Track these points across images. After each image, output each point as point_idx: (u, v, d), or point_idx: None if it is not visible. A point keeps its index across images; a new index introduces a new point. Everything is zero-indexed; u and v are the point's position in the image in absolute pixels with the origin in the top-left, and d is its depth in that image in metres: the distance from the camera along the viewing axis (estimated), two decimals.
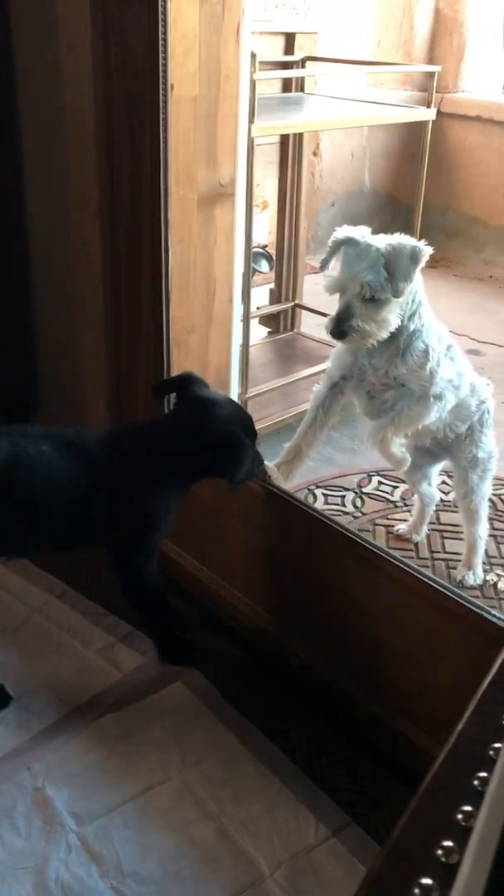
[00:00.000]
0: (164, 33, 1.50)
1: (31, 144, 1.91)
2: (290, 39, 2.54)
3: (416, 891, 0.49)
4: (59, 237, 1.90)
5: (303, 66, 2.55)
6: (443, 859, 0.52)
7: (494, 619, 1.24)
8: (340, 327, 1.46)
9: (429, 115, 2.31)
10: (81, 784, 1.31)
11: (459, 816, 0.54)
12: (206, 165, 1.71)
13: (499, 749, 0.58)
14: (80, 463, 1.34)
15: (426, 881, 0.50)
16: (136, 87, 1.58)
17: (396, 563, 1.38)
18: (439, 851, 0.52)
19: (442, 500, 2.16)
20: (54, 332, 2.04)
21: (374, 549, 1.42)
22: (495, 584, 1.85)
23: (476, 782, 0.57)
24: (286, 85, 2.61)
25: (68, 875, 1.18)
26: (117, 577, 1.46)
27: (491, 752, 0.59)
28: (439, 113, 2.44)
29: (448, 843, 0.52)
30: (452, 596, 1.31)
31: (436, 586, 1.33)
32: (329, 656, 1.52)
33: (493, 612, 1.26)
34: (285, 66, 2.55)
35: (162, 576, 1.67)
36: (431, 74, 2.36)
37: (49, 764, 1.34)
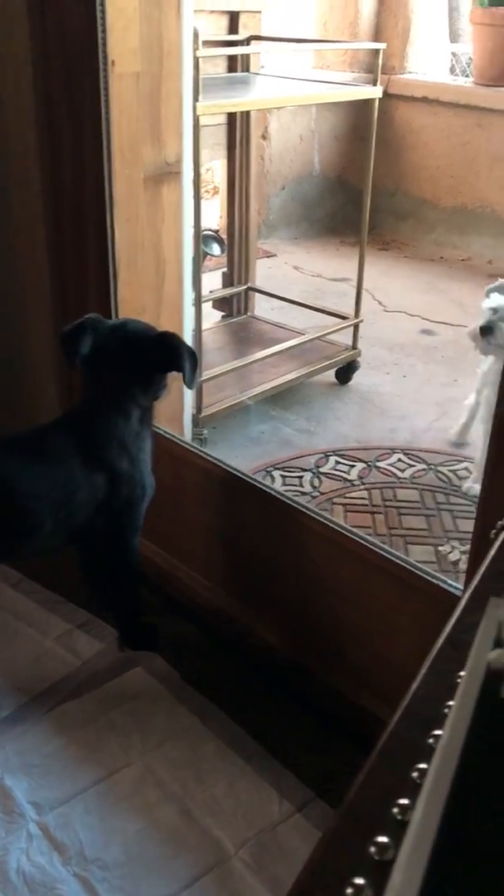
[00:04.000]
0: (103, 7, 1.47)
1: None
2: (234, 18, 2.51)
3: (373, 849, 0.49)
4: (2, 219, 1.86)
5: (247, 46, 2.53)
6: (399, 817, 0.51)
7: (451, 589, 1.24)
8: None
9: (375, 92, 2.31)
10: (42, 773, 1.29)
11: (415, 775, 0.54)
12: (151, 143, 1.69)
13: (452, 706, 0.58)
14: (56, 458, 1.31)
15: (382, 839, 0.49)
16: (76, 64, 1.55)
17: (355, 538, 1.38)
18: (395, 810, 0.52)
19: (398, 478, 2.17)
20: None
21: (332, 526, 1.42)
22: (449, 557, 1.87)
23: (431, 740, 0.56)
24: (231, 65, 2.58)
25: (30, 864, 1.16)
26: (106, 558, 1.43)
27: (445, 710, 0.59)
28: (387, 94, 2.44)
29: (404, 801, 0.51)
30: (410, 568, 1.31)
31: (394, 559, 1.33)
32: (290, 634, 1.51)
33: (450, 582, 1.27)
34: (230, 45, 2.53)
35: None
36: (376, 53, 2.35)
37: (8, 754, 1.32)
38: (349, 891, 0.46)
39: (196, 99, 1.90)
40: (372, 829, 0.50)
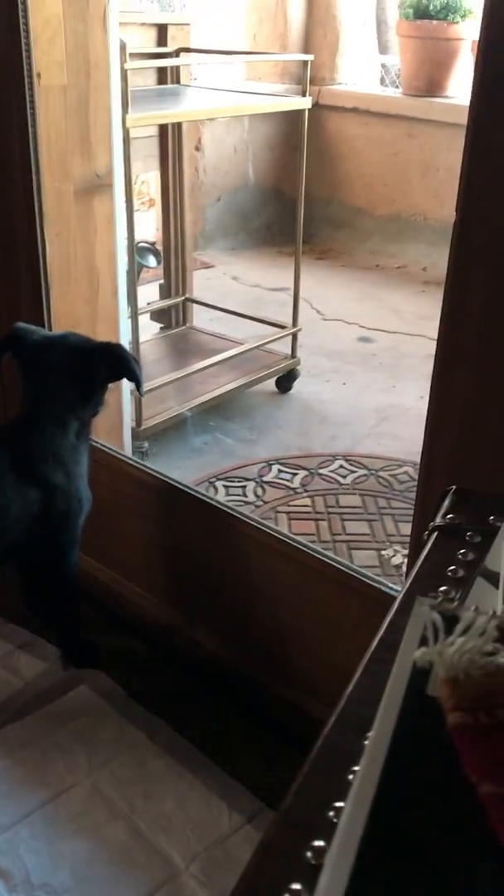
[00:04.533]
0: (26, 19, 1.45)
1: None
2: (162, 31, 2.52)
3: (309, 854, 0.49)
4: None
5: (176, 58, 2.54)
6: (335, 821, 0.51)
7: (391, 592, 1.26)
8: None
9: (304, 103, 2.34)
10: None
11: (350, 777, 0.54)
12: (80, 156, 1.68)
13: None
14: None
15: (319, 843, 0.49)
16: (0, 77, 1.53)
17: (296, 545, 1.38)
18: (331, 813, 0.52)
19: (340, 484, 2.19)
20: None
21: (273, 533, 1.42)
22: (392, 561, 1.89)
23: (366, 742, 0.57)
24: (161, 77, 2.59)
25: None
26: (44, 574, 1.41)
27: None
28: (318, 105, 2.47)
29: (341, 805, 0.52)
30: (351, 573, 1.33)
31: (335, 565, 1.34)
32: (235, 644, 1.51)
33: (390, 584, 1.28)
34: (158, 57, 2.53)
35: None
36: (305, 64, 2.38)
37: None
38: None
39: (125, 111, 1.89)
40: (308, 834, 0.51)
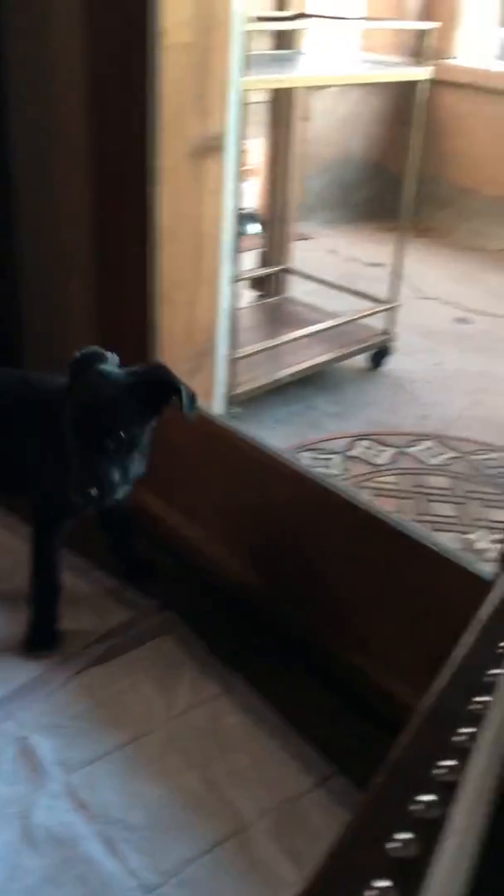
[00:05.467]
0: None
1: (17, 92, 1.87)
2: None
3: (415, 807, 0.49)
4: (45, 186, 1.87)
5: (294, 22, 2.51)
6: (440, 778, 0.52)
7: (480, 573, 1.24)
8: None
9: (422, 73, 2.28)
10: (67, 733, 1.30)
11: (458, 739, 0.54)
12: (196, 116, 1.68)
13: (496, 674, 0.58)
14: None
15: (426, 797, 0.49)
16: (127, 34, 1.54)
17: (384, 519, 1.38)
18: (437, 771, 0.52)
19: (427, 464, 2.16)
20: (41, 280, 2.00)
21: (362, 506, 1.42)
22: (476, 545, 1.86)
23: (473, 707, 0.57)
24: (277, 43, 2.57)
25: (55, 821, 1.18)
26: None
27: (487, 679, 0.59)
28: (432, 80, 2.41)
29: (447, 763, 0.52)
30: (438, 550, 1.31)
31: (423, 542, 1.33)
32: (314, 612, 1.52)
33: (480, 566, 1.26)
34: (277, 20, 2.51)
35: (147, 533, 1.68)
36: (424, 35, 2.32)
37: (34, 714, 1.33)
38: (394, 845, 0.46)
39: (243, 73, 1.88)
40: (415, 788, 0.51)
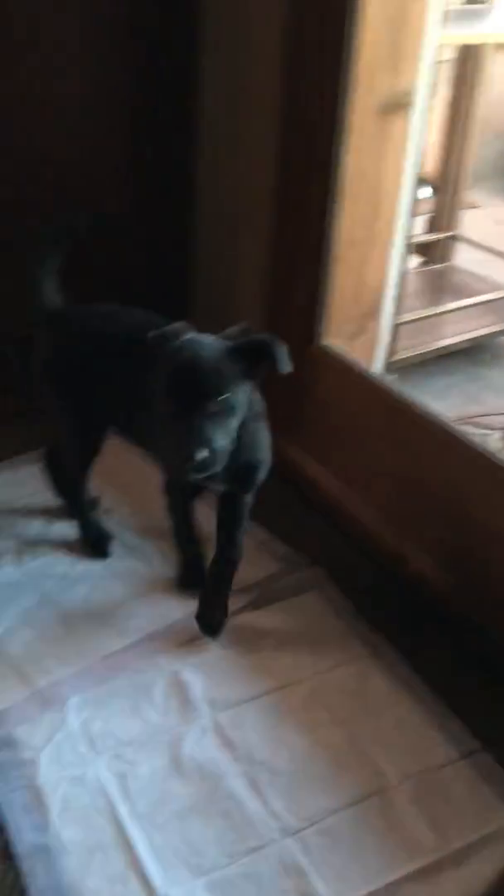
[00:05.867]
0: None
1: (210, 47, 1.88)
2: None
3: None
4: (231, 140, 1.88)
5: None
6: None
7: None
8: None
9: None
10: (217, 674, 1.35)
11: None
12: (388, 71, 1.64)
13: None
14: None
15: None
16: None
17: None
18: None
19: None
20: (216, 238, 2.03)
21: None
22: None
23: None
24: None
25: (202, 755, 1.22)
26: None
27: None
28: None
29: None
30: None
31: None
32: (467, 585, 1.49)
33: None
34: None
35: (301, 495, 1.68)
36: None
37: (187, 651, 1.38)
38: None
39: (437, 29, 1.82)
40: None
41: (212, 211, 2.01)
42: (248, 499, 1.41)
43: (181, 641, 1.40)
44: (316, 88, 1.60)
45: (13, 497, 1.71)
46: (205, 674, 1.35)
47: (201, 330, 1.22)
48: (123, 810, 1.14)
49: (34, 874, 1.07)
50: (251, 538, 1.62)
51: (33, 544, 1.61)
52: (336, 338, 1.79)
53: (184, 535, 1.50)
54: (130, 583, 1.52)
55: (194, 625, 1.41)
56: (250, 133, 1.82)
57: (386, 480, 1.67)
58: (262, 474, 1.35)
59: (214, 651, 1.39)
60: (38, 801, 1.15)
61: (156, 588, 1.52)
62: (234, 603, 1.46)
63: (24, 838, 1.11)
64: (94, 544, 1.59)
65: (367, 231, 1.79)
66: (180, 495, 1.45)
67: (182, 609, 1.45)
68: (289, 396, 1.60)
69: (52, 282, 1.46)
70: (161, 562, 1.57)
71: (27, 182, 1.83)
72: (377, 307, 1.89)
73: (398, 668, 1.37)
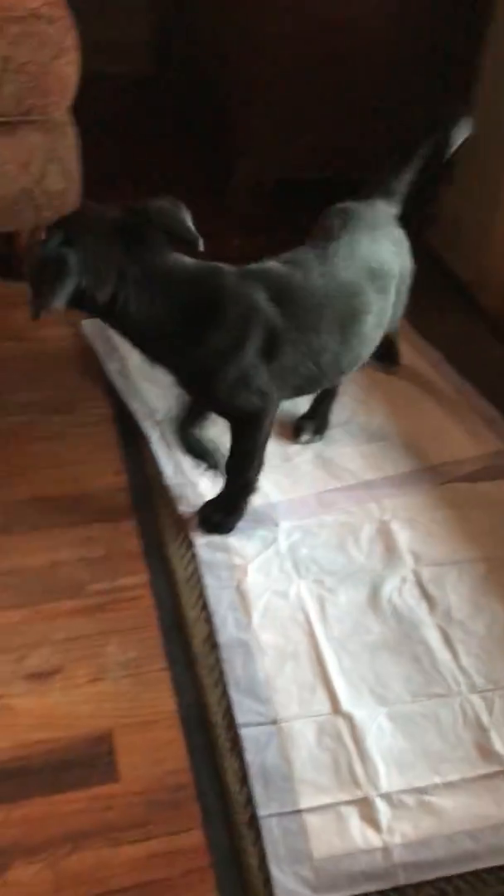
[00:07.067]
0: None
1: None
2: None
3: None
4: None
5: None
6: None
7: None
8: None
9: None
10: (425, 531, 1.36)
11: None
12: None
13: None
14: None
15: None
16: None
17: None
18: None
19: None
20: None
21: None
22: None
23: None
24: None
25: (400, 600, 1.25)
26: None
27: None
28: None
29: None
30: None
31: None
32: None
33: None
34: None
35: None
36: None
37: (398, 505, 1.40)
38: None
39: None
40: None
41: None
42: None
43: (395, 495, 1.42)
44: None
45: None
46: (413, 529, 1.36)
47: None
48: (319, 630, 1.21)
49: (232, 665, 1.16)
50: (478, 414, 1.58)
51: None
52: None
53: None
54: (351, 434, 1.54)
55: (408, 484, 1.42)
56: None
57: None
58: None
59: (425, 511, 1.39)
60: (243, 602, 1.23)
61: (372, 439, 1.53)
62: (449, 472, 1.45)
63: (227, 631, 1.20)
64: None
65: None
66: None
67: (395, 467, 1.47)
68: None
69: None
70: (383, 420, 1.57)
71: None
72: None
73: None
